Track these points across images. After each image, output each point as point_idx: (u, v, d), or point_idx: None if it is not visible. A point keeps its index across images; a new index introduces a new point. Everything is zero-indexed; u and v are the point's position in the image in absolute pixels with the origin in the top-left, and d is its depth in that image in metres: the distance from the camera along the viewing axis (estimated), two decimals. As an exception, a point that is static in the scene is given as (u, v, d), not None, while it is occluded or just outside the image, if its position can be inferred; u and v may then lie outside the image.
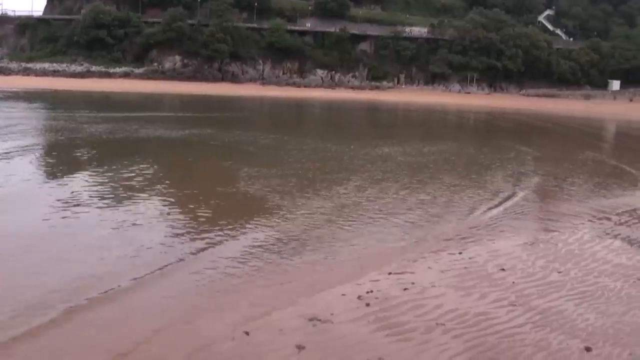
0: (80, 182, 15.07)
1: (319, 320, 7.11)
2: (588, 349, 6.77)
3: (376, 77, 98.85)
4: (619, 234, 12.39)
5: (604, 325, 7.49)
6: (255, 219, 11.91)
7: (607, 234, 12.41)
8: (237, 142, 25.54)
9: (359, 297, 7.87)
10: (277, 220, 11.88)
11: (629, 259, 10.57)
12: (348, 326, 7.01)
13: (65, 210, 11.97)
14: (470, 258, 9.96)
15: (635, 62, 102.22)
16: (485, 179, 18.91)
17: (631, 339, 7.14)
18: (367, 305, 7.63)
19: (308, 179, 16.95)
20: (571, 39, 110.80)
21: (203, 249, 9.79)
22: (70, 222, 11.16)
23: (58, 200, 12.81)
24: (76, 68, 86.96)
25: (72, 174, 16.69)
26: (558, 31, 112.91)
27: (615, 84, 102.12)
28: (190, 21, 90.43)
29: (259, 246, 10.09)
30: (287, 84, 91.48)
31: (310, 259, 9.54)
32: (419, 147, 26.14)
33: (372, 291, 8.09)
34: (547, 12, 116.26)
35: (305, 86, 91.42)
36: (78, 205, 12.48)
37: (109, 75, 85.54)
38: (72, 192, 13.63)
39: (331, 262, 9.47)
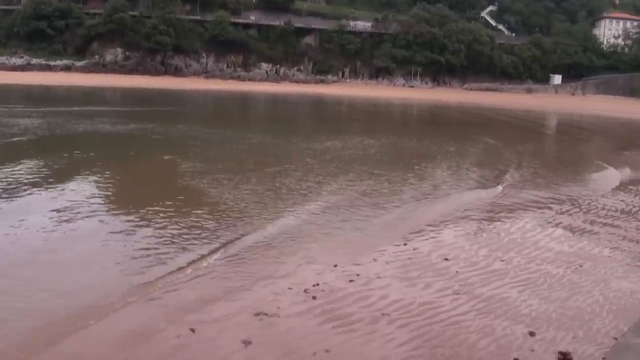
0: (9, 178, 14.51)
1: (266, 314, 7.10)
2: (532, 334, 6.98)
3: (321, 70, 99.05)
4: (561, 223, 12.81)
5: (548, 311, 7.74)
6: (198, 212, 11.77)
7: (549, 222, 12.80)
8: (179, 136, 25.16)
9: (306, 291, 7.89)
10: (222, 215, 11.77)
11: (570, 247, 10.94)
12: (295, 319, 7.03)
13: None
14: (414, 249, 10.12)
15: (577, 57, 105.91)
16: (428, 171, 19.19)
17: (574, 323, 7.40)
18: (314, 298, 7.66)
19: (249, 173, 16.82)
20: (513, 35, 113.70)
21: (146, 249, 9.60)
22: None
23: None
24: (16, 61, 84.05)
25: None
26: (500, 27, 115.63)
27: (557, 78, 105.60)
28: (132, 13, 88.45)
29: (202, 240, 9.99)
30: (231, 78, 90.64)
31: (258, 254, 9.49)
32: (363, 141, 26.29)
33: (318, 284, 8.13)
34: (490, 8, 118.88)
35: (249, 80, 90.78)
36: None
37: (49, 68, 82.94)
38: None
39: (277, 256, 9.44)
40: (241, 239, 10.22)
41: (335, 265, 8.95)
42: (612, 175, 20.54)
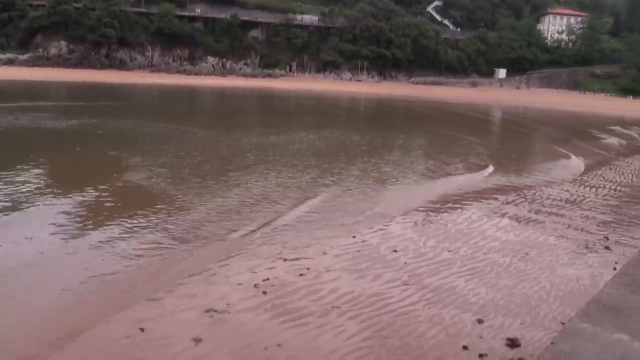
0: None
1: (216, 311, 7.02)
2: (480, 321, 7.12)
3: (269, 65, 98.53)
4: (507, 213, 13.12)
5: (495, 299, 7.91)
6: (145, 210, 11.56)
7: (495, 213, 13.09)
8: (125, 131, 24.69)
9: (256, 286, 7.84)
10: (168, 211, 11.59)
11: (516, 236, 11.22)
12: (245, 315, 6.97)
13: None
14: (363, 242, 10.18)
15: (521, 52, 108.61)
16: (375, 164, 19.34)
17: (522, 310, 7.59)
18: (264, 293, 7.62)
19: (193, 168, 16.63)
20: (459, 30, 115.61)
21: (98, 246, 9.38)
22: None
23: None
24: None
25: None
26: (446, 22, 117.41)
27: (502, 73, 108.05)
28: (76, 5, 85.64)
29: (152, 239, 9.82)
30: (178, 72, 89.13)
31: (207, 250, 9.37)
32: (308, 136, 26.27)
33: (268, 279, 8.09)
34: (436, 3, 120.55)
35: (196, 74, 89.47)
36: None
37: (-8, 62, 79.83)
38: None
39: (226, 251, 9.35)
40: (192, 233, 10.08)
41: (285, 260, 8.93)
42: (572, 164, 21.18)
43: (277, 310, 7.16)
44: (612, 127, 42.50)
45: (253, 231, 10.52)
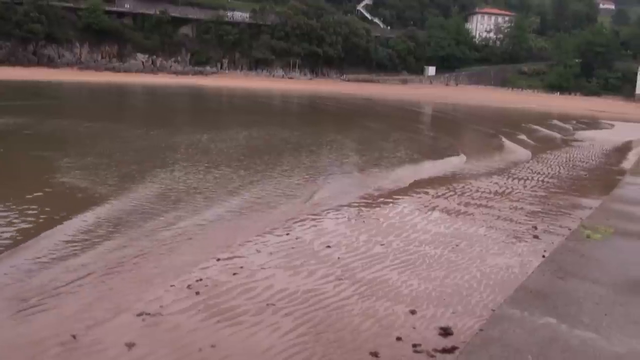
0: None
1: (148, 314, 6.84)
2: (413, 312, 7.22)
3: (199, 62, 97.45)
4: (437, 206, 13.37)
5: (427, 289, 8.03)
6: (73, 210, 11.17)
7: (426, 206, 13.32)
8: (53, 130, 23.87)
9: (189, 286, 7.68)
10: (99, 211, 11.24)
11: (447, 228, 11.44)
12: (178, 317, 6.82)
13: None
14: (297, 238, 10.15)
15: (450, 50, 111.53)
16: (306, 161, 19.34)
17: (454, 299, 7.74)
18: (197, 293, 7.47)
19: (120, 166, 16.24)
20: (389, 28, 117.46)
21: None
22: None
23: None
24: None
25: None
26: (376, 20, 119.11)
27: (431, 70, 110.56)
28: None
29: (81, 240, 9.48)
30: (106, 69, 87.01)
31: (134, 252, 9.12)
32: (237, 133, 25.96)
33: (201, 279, 7.94)
34: (366, 1, 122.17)
35: (125, 71, 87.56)
36: None
37: None
38: None
39: (156, 252, 9.12)
40: (122, 234, 9.81)
41: (218, 259, 8.79)
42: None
43: (210, 310, 7.03)
44: (552, 121, 44.06)
45: (185, 231, 10.31)
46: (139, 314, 6.83)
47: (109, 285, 7.76)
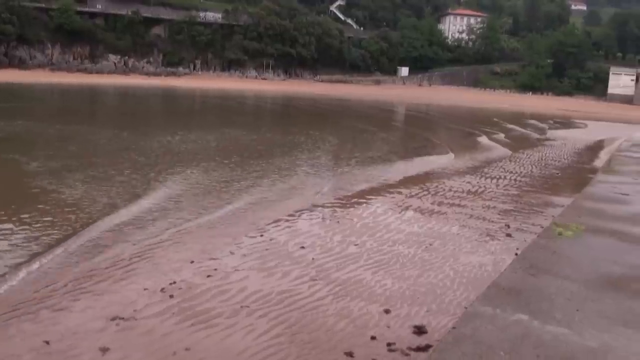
0: None
1: (122, 318, 6.78)
2: (387, 311, 7.26)
3: (172, 62, 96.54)
4: (410, 205, 13.44)
5: (401, 289, 8.08)
6: (41, 214, 11.02)
7: (399, 206, 13.38)
8: (22, 132, 23.46)
9: (162, 290, 7.62)
10: (65, 216, 11.09)
11: (420, 227, 11.52)
12: (152, 321, 6.77)
13: None
14: (271, 239, 10.14)
15: (423, 51, 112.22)
16: (275, 164, 19.07)
17: (427, 298, 7.80)
18: (171, 296, 7.42)
19: (85, 170, 15.89)
20: (362, 29, 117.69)
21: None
22: None
23: None
24: None
25: None
26: (349, 21, 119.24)
27: (404, 70, 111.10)
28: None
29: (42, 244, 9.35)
30: (78, 70, 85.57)
31: (108, 257, 9.00)
32: (206, 135, 25.53)
33: (175, 282, 7.88)
34: (339, 2, 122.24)
35: (97, 72, 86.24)
36: None
37: None
38: None
39: (131, 255, 9.03)
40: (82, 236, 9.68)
41: (192, 262, 8.73)
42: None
43: (184, 313, 6.99)
44: (525, 121, 44.48)
45: (158, 234, 10.22)
46: (113, 319, 6.76)
47: (86, 288, 7.67)
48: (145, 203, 12.45)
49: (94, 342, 6.23)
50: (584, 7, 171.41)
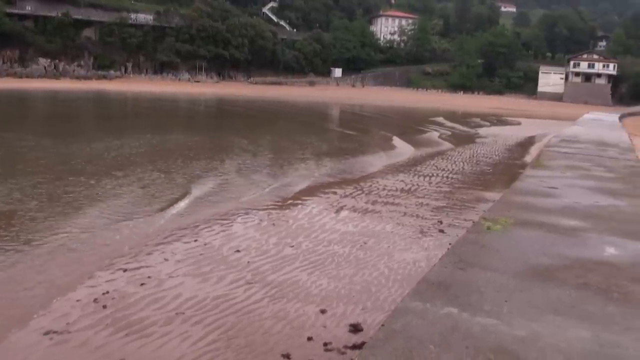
0: None
1: (55, 332, 6.60)
2: (323, 311, 7.33)
3: (103, 65, 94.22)
4: (345, 205, 13.57)
5: (337, 288, 8.18)
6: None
7: (334, 206, 13.49)
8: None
9: (95, 300, 7.45)
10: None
11: (355, 226, 11.65)
12: (86, 333, 6.61)
13: None
14: (205, 244, 10.05)
15: (355, 52, 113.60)
16: (206, 167, 18.85)
17: (362, 296, 7.92)
18: (104, 307, 7.26)
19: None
20: (295, 30, 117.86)
21: None
22: None
23: None
24: None
25: None
26: (282, 22, 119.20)
27: (338, 72, 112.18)
28: None
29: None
30: (8, 75, 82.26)
31: (36, 269, 8.70)
32: (138, 140, 24.83)
33: (108, 292, 7.71)
34: (272, 3, 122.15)
35: (27, 76, 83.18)
36: None
37: None
38: None
39: (61, 266, 8.76)
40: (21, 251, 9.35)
41: (125, 270, 8.56)
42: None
43: (118, 323, 6.85)
44: (458, 119, 45.31)
45: (86, 243, 9.94)
46: (46, 333, 6.57)
47: (15, 303, 7.42)
48: (63, 215, 12.07)
49: (27, 357, 6.07)
50: (514, 9, 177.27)
